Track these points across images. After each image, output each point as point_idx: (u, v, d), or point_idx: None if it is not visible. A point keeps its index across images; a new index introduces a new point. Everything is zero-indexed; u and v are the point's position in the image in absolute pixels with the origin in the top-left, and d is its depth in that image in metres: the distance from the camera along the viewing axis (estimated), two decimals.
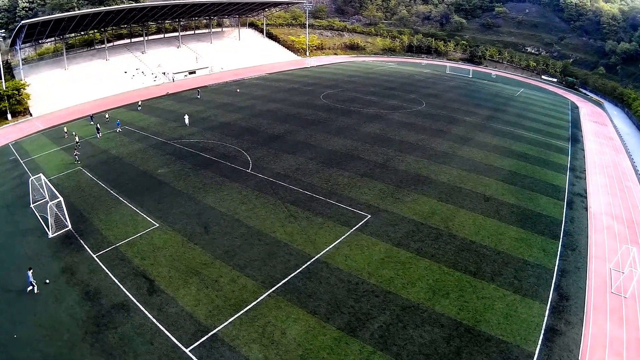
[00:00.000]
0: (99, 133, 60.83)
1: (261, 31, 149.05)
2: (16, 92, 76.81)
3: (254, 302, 26.46)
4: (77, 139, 56.93)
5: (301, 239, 34.96)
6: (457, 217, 39.21)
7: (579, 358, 24.88)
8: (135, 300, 26.10)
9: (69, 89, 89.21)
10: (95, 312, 25.51)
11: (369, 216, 39.38)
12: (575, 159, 59.58)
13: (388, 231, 36.92)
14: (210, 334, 23.44)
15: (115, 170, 47.60)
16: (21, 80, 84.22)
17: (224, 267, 30.10)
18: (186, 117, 66.35)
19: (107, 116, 70.35)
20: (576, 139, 70.79)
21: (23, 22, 78.89)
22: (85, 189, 42.43)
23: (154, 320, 24.40)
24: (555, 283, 31.56)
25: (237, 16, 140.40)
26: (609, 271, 33.99)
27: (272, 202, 41.26)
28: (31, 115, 79.02)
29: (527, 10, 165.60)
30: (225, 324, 24.41)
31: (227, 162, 50.34)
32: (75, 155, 51.13)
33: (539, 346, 25.39)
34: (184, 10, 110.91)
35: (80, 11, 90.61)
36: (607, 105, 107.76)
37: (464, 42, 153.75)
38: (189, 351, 22.19)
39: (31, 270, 27.96)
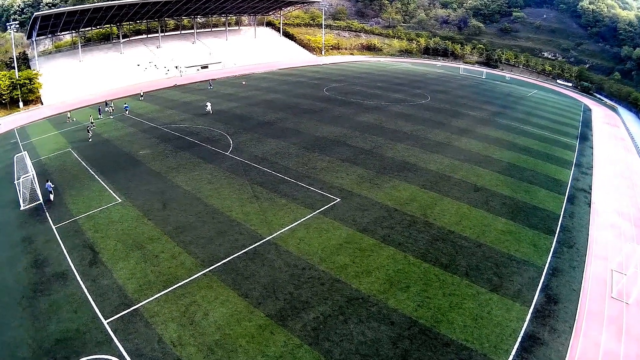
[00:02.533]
0: (100, 115, 62.35)
1: (278, 30, 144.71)
2: (28, 82, 77.10)
3: (186, 280, 23.84)
4: (91, 120, 57.84)
5: (257, 220, 31.06)
6: (438, 206, 33.32)
7: None
8: (75, 271, 24.80)
9: (81, 79, 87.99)
10: (37, 279, 24.64)
11: (338, 200, 34.35)
12: (582, 155, 52.43)
13: (355, 216, 31.59)
14: (132, 309, 21.37)
15: (100, 152, 46.50)
16: (34, 70, 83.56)
17: (169, 243, 27.66)
18: (208, 104, 64.43)
19: (111, 106, 68.53)
20: (585, 137, 63.18)
21: (36, 14, 79.08)
22: (68, 167, 41.59)
23: (85, 291, 22.93)
24: (543, 283, 25.48)
25: (253, 14, 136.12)
26: (610, 273, 27.49)
27: (240, 182, 37.72)
28: (42, 104, 78.75)
29: (544, 16, 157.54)
30: (150, 299, 22.13)
31: (208, 145, 47.93)
32: (89, 132, 52.53)
33: (511, 357, 19.64)
34: (198, 6, 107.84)
35: (93, 4, 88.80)
36: (621, 109, 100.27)
37: (481, 45, 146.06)
38: (107, 323, 20.36)
39: None
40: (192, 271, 24.66)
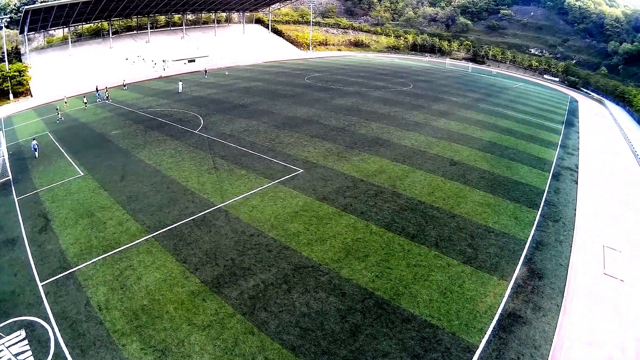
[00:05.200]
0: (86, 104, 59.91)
1: (267, 27, 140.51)
2: (18, 74, 75.35)
3: (127, 245, 21.98)
4: (85, 100, 59.29)
5: (212, 189, 28.30)
6: (409, 177, 29.30)
7: (550, 358, 15.35)
8: (25, 237, 23.54)
9: (70, 72, 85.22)
10: None
11: (301, 171, 30.89)
12: (568, 138, 48.63)
13: (316, 186, 28.13)
14: (68, 272, 19.95)
15: (75, 134, 44.75)
16: (24, 63, 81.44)
17: (119, 210, 25.88)
18: (180, 84, 65.98)
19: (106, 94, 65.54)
20: (571, 123, 59.49)
21: (26, 7, 76.86)
22: (41, 147, 39.77)
23: (29, 255, 21.65)
24: (525, 256, 21.88)
25: (241, 11, 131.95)
26: (602, 249, 23.96)
27: (202, 156, 35.08)
28: (32, 96, 76.49)
29: (532, 13, 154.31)
30: (87, 263, 20.54)
31: (179, 125, 45.15)
32: (58, 113, 53.39)
33: (486, 337, 16.04)
34: (186, 1, 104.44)
35: None
36: (608, 103, 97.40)
37: (469, 42, 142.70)
38: (41, 285, 19.08)
39: None
40: (135, 237, 22.77)
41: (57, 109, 53.13)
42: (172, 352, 14.97)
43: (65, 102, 60.86)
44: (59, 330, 16.20)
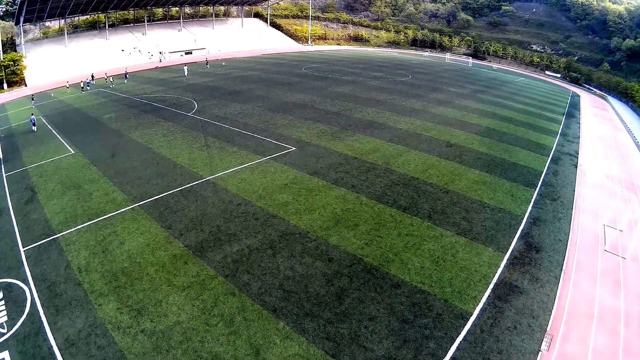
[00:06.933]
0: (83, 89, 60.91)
1: (266, 21, 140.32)
2: (12, 63, 75.77)
3: (113, 213, 21.82)
4: (82, 85, 60.98)
5: (202, 164, 28.15)
6: (403, 156, 29.11)
7: (549, 328, 15.05)
8: (11, 208, 23.55)
9: (65, 63, 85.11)
10: None
11: (294, 149, 30.51)
12: (568, 128, 48.26)
13: (308, 162, 27.86)
14: (50, 238, 19.80)
15: (68, 118, 44.56)
16: (18, 53, 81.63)
17: (107, 183, 25.74)
18: (185, 67, 69.03)
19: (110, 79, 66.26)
20: (572, 115, 59.02)
21: None
22: (35, 132, 39.72)
23: (14, 223, 21.57)
24: (522, 231, 21.51)
25: (240, 5, 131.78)
26: (603, 227, 23.68)
27: (195, 135, 34.86)
28: (26, 85, 76.59)
29: (534, 10, 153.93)
30: (71, 230, 20.38)
31: (173, 109, 44.71)
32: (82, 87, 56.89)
33: (480, 304, 15.68)
34: None
35: None
36: (611, 99, 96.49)
37: (470, 38, 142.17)
38: (23, 251, 18.98)
39: None
40: (120, 206, 22.65)
41: (52, 95, 53.01)
42: (149, 311, 14.62)
43: (67, 87, 62.07)
44: (37, 292, 15.95)
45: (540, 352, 13.74)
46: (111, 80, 65.01)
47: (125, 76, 70.40)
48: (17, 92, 69.58)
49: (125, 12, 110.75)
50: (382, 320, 14.40)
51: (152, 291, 15.69)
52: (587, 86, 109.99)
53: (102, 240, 19.39)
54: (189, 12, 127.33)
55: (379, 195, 23.23)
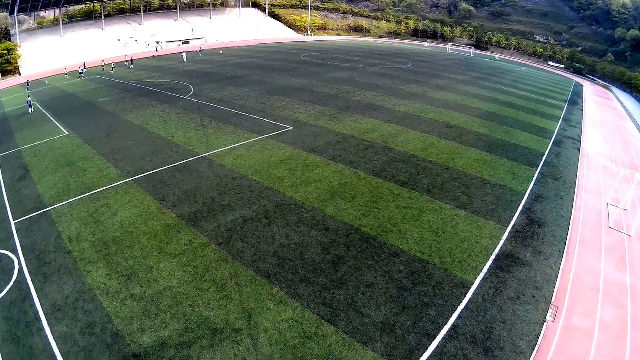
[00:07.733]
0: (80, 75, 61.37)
1: (264, 10, 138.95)
2: (6, 52, 76.79)
3: (106, 187, 21.84)
4: (79, 71, 61.79)
5: (197, 142, 27.99)
6: (402, 136, 28.89)
7: (553, 299, 14.91)
8: (2, 185, 23.53)
9: (60, 52, 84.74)
10: None
11: (291, 128, 30.24)
12: (571, 114, 47.90)
13: (305, 140, 27.68)
14: (42, 211, 19.82)
15: (63, 102, 44.48)
16: (13, 42, 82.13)
17: (100, 160, 25.82)
18: (184, 54, 70.66)
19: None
20: (575, 102, 58.53)
21: None
22: (29, 116, 39.96)
23: (5, 199, 21.65)
24: (524, 206, 21.34)
25: None
26: (606, 206, 23.48)
27: (190, 116, 34.73)
28: (20, 74, 76.74)
29: (536, 0, 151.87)
30: (63, 203, 20.37)
31: (169, 92, 44.62)
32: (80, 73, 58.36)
33: (481, 275, 15.51)
34: None
35: None
36: (615, 89, 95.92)
37: (471, 28, 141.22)
38: (14, 223, 19.00)
39: None
40: (113, 180, 22.67)
41: (46, 82, 53.22)
42: (139, 277, 14.42)
43: (66, 74, 62.21)
44: (25, 261, 15.83)
45: (545, 323, 13.47)
46: (111, 66, 64.96)
47: (131, 61, 70.88)
48: (11, 81, 69.53)
49: (121, 1, 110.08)
50: (380, 287, 14.17)
51: (143, 258, 15.55)
52: (591, 77, 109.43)
53: (94, 212, 19.24)
54: (185, 1, 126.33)
55: (377, 170, 22.99)
